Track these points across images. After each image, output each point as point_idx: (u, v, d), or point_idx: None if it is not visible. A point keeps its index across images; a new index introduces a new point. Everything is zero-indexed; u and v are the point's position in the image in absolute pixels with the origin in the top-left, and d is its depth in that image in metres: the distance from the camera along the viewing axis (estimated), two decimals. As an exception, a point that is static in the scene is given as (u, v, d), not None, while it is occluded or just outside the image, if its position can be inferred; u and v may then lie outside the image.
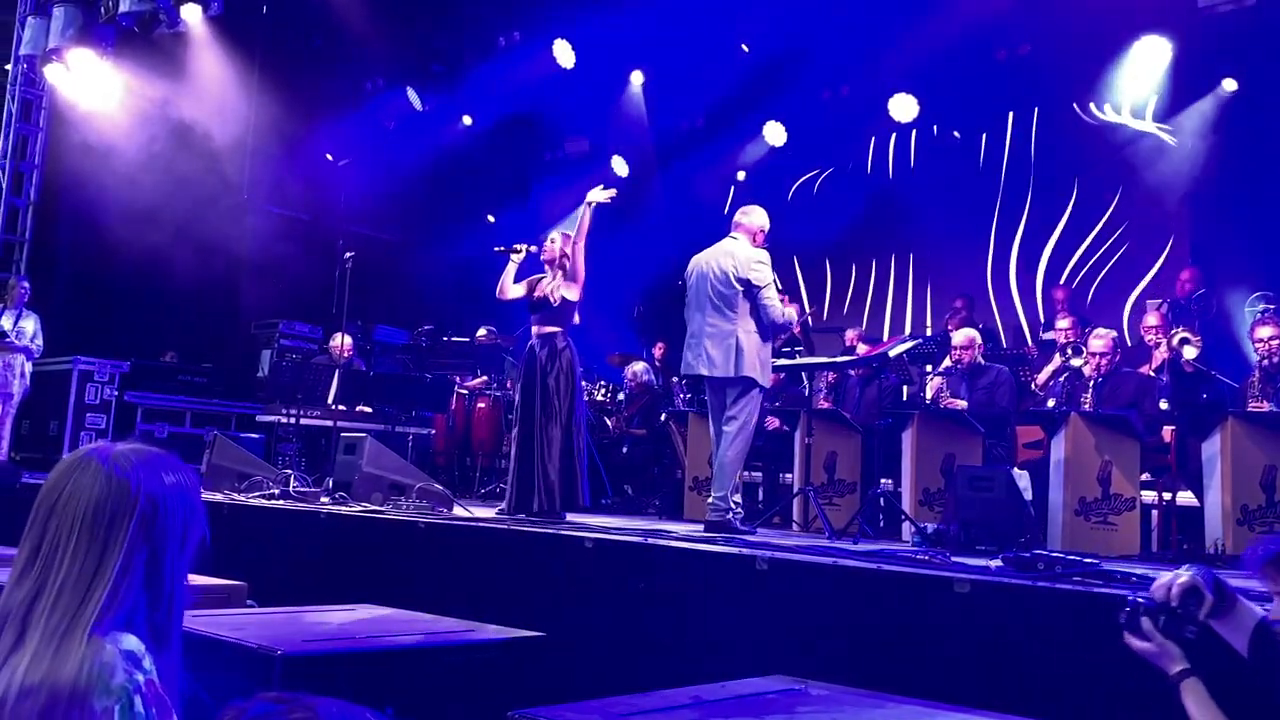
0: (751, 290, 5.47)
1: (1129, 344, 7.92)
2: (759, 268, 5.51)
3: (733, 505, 5.47)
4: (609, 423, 9.15)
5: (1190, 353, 6.44)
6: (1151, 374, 6.64)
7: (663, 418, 8.32)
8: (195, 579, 3.81)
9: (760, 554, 3.90)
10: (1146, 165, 9.20)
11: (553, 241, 6.15)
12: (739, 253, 5.59)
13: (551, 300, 6.01)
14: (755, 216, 5.78)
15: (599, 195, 6.08)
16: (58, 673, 1.36)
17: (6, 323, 9.05)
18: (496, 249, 6.33)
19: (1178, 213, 9.05)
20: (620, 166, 12.18)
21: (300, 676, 2.67)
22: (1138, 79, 9.00)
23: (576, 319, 6.16)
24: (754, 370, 5.44)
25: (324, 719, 1.05)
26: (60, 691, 1.35)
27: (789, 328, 5.82)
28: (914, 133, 10.62)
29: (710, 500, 5.52)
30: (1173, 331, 6.78)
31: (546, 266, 6.15)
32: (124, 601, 1.45)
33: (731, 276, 5.51)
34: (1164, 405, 6.37)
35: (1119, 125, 9.39)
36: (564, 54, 11.00)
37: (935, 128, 10.49)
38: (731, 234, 5.76)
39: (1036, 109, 9.96)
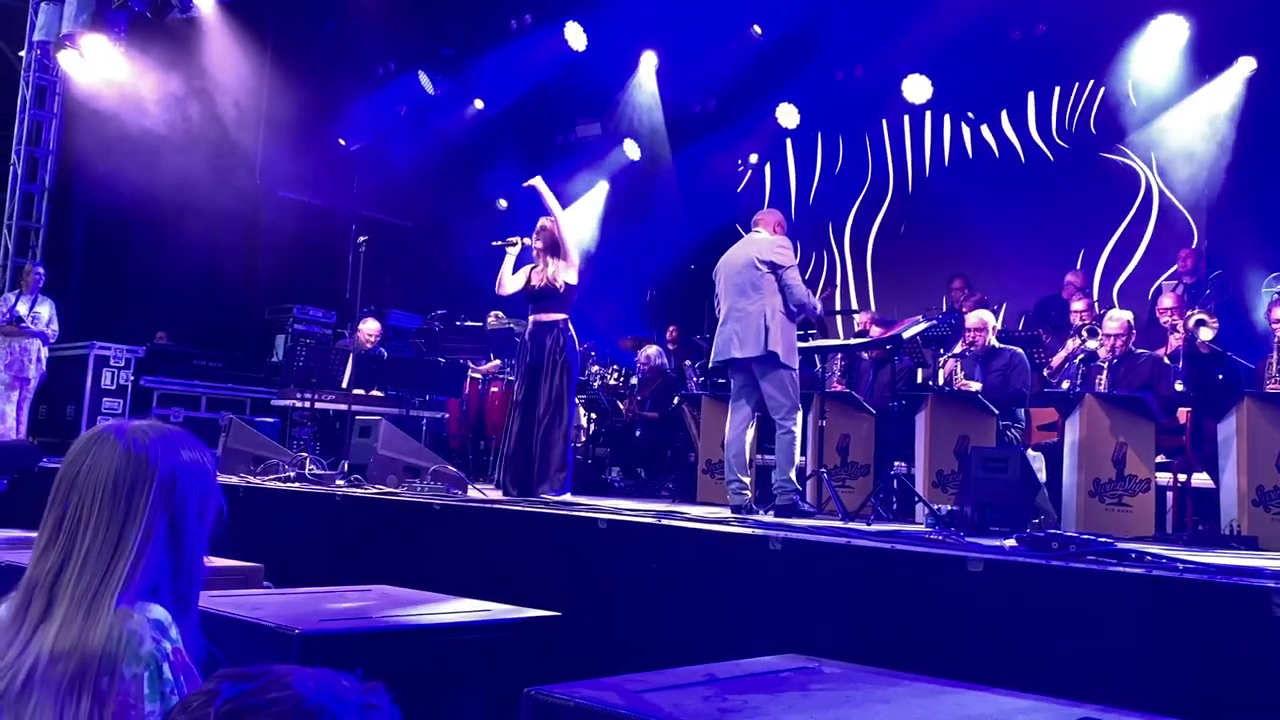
0: (776, 271, 5.65)
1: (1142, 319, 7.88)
2: (781, 251, 5.74)
3: (799, 486, 5.67)
4: (622, 406, 9.16)
5: (1206, 334, 6.41)
6: (1167, 356, 6.61)
7: (675, 401, 8.32)
8: (213, 560, 3.85)
9: (773, 534, 3.90)
10: (1163, 145, 9.13)
11: (543, 229, 6.20)
12: (761, 240, 5.84)
13: (555, 285, 6.06)
14: (773, 213, 6.08)
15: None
16: (87, 640, 1.40)
17: (23, 308, 9.12)
18: (494, 243, 6.40)
19: (1195, 192, 8.97)
20: (632, 150, 12.16)
21: (318, 655, 2.69)
22: (1155, 58, 8.92)
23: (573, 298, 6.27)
24: (778, 346, 5.56)
25: (300, 693, 1.03)
26: (90, 658, 1.38)
27: (814, 310, 5.99)
28: (928, 114, 10.56)
29: (775, 484, 5.63)
30: (1189, 313, 6.74)
31: (538, 255, 6.22)
32: (148, 569, 1.48)
33: (756, 260, 5.70)
34: (1179, 387, 6.34)
35: (1135, 105, 9.31)
36: (575, 37, 10.98)
37: (949, 109, 10.43)
38: (753, 229, 6.03)
39: (1054, 89, 9.88)
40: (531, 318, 6.23)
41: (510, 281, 6.25)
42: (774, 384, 5.62)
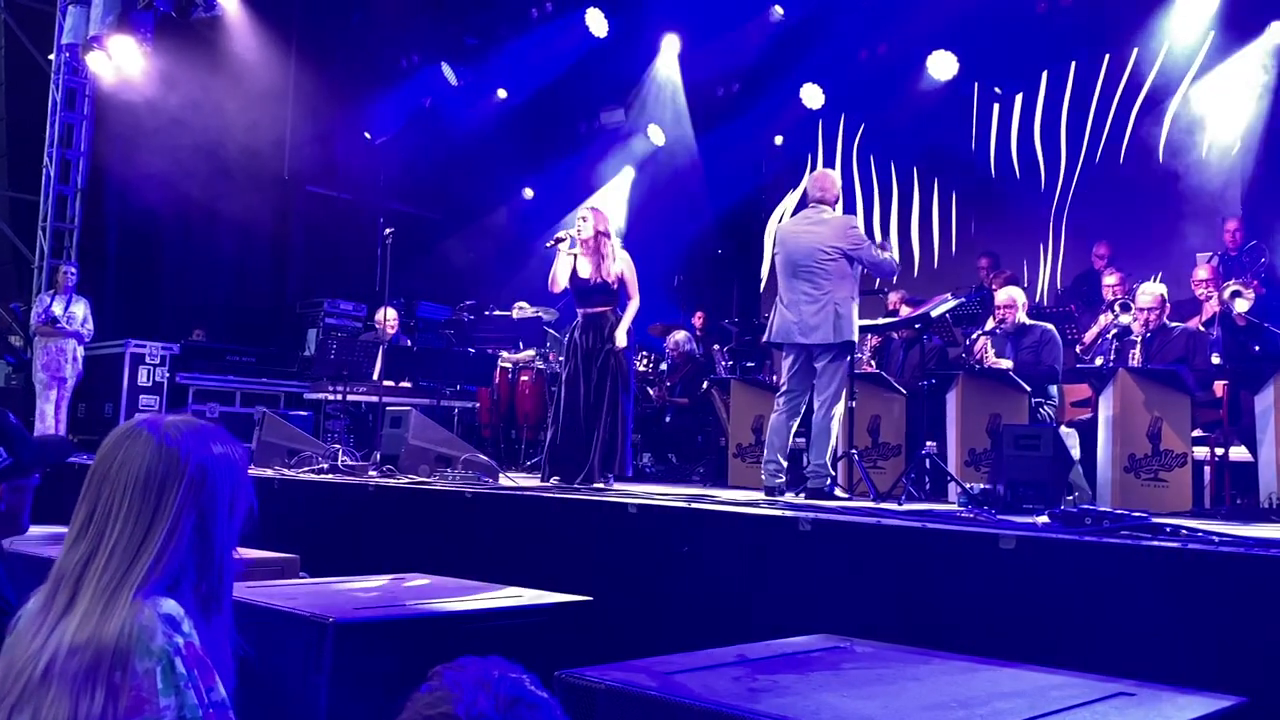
0: (851, 255, 5.55)
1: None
2: (853, 233, 5.62)
3: (832, 472, 5.58)
4: (652, 392, 9.17)
5: (1242, 305, 6.31)
6: (1202, 328, 6.51)
7: (705, 386, 8.32)
8: (249, 552, 3.91)
9: (803, 515, 3.90)
10: (1195, 115, 8.97)
11: (584, 220, 6.17)
12: (830, 222, 5.67)
13: (604, 280, 6.07)
14: (829, 183, 5.85)
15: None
16: (102, 633, 1.40)
17: (58, 308, 9.25)
18: (546, 245, 6.33)
19: (1229, 162, 8.82)
20: (656, 135, 12.12)
21: (352, 643, 2.72)
22: (1185, 27, 8.76)
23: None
24: (852, 334, 5.54)
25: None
26: (104, 651, 1.38)
27: (896, 271, 5.94)
28: (953, 90, 10.43)
29: (809, 467, 5.57)
30: (1225, 284, 6.64)
31: (582, 245, 6.15)
32: (170, 565, 1.48)
33: (826, 245, 5.56)
34: (1215, 360, 6.25)
35: (1166, 75, 9.15)
36: (596, 23, 10.95)
37: (975, 84, 10.31)
38: (811, 203, 5.81)
39: (1084, 61, 9.72)
40: (580, 311, 6.18)
41: (564, 279, 6.18)
42: (833, 371, 5.55)
